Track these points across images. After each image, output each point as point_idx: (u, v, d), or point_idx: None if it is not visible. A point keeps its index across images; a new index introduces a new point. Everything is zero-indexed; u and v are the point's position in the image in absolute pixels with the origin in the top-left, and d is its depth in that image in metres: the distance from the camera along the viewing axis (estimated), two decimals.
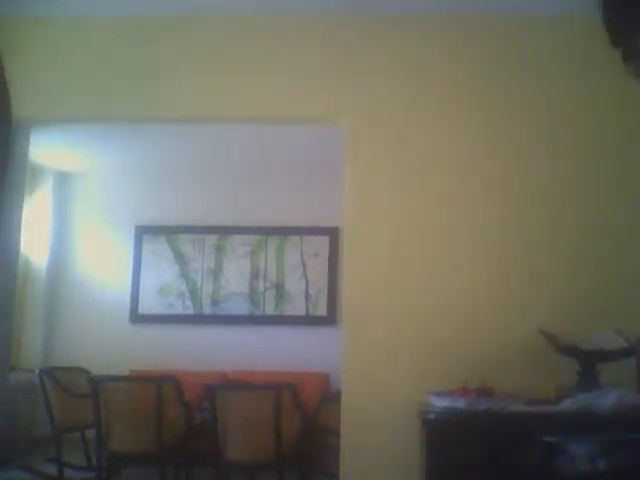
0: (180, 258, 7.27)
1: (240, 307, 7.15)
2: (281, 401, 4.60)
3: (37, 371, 5.86)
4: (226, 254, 7.23)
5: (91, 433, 5.25)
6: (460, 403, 2.88)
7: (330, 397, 5.18)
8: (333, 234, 6.96)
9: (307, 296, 7.10)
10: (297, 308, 7.10)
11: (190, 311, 7.21)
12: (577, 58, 3.54)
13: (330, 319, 6.93)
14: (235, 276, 7.19)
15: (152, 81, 3.67)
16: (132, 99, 3.65)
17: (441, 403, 2.93)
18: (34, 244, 7.08)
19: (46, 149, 6.41)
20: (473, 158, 3.50)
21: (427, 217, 3.49)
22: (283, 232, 7.16)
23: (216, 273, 7.23)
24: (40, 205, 7.27)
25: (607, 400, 2.81)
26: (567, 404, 2.87)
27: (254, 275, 7.18)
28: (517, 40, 3.59)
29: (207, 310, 7.20)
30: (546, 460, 2.76)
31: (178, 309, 7.22)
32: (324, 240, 7.11)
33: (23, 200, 3.86)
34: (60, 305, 7.22)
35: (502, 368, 3.24)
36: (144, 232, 7.31)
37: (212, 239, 7.26)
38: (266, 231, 7.18)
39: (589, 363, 3.06)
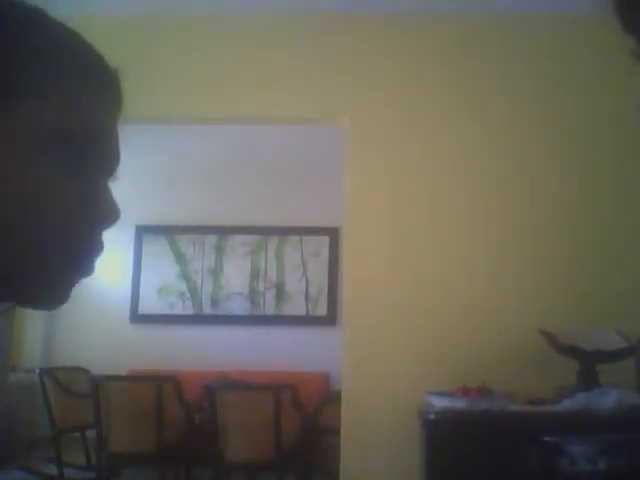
0: (180, 258, 7.27)
1: (240, 307, 7.14)
2: (281, 401, 4.60)
3: (37, 371, 5.86)
4: (226, 254, 7.23)
5: (91, 433, 5.25)
6: (460, 403, 2.88)
7: (330, 397, 5.18)
8: (333, 234, 6.94)
9: (307, 296, 7.10)
10: (297, 308, 7.09)
11: (190, 311, 7.21)
12: (577, 58, 3.54)
13: (330, 319, 6.91)
14: (235, 276, 7.18)
15: (151, 82, 3.66)
16: (131, 100, 3.64)
17: (441, 403, 2.94)
18: None
19: None
20: (473, 158, 3.51)
21: (426, 217, 3.49)
22: (283, 232, 7.15)
23: (216, 273, 7.22)
24: None
25: (607, 400, 2.81)
26: (567, 404, 2.87)
27: (254, 275, 7.18)
28: (517, 40, 3.59)
29: (207, 310, 7.20)
30: (546, 460, 2.76)
31: (178, 309, 7.21)
32: (324, 240, 7.10)
33: None
34: None
35: (502, 368, 3.25)
36: (144, 232, 7.31)
37: (212, 239, 7.25)
38: (266, 231, 7.17)
39: (589, 363, 3.06)
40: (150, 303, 7.23)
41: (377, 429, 3.33)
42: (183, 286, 7.24)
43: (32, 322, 7.07)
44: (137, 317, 7.23)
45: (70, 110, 0.58)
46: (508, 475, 2.80)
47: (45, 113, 0.56)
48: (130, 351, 6.90)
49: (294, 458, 4.85)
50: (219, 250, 7.25)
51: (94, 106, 0.61)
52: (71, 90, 0.59)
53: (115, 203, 0.62)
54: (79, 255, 0.60)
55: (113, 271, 7.32)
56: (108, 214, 0.62)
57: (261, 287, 7.16)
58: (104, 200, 0.62)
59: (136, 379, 5.63)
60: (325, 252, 7.10)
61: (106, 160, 0.63)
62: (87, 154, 0.60)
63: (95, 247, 0.62)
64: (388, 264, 3.46)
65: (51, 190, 0.57)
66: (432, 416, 2.90)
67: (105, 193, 0.62)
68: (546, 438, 2.74)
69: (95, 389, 4.95)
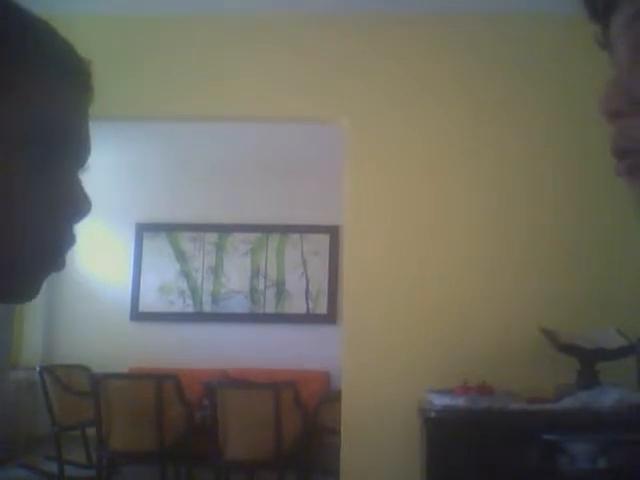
0: (181, 256, 7.27)
1: (240, 305, 7.14)
2: (281, 400, 4.60)
3: (38, 369, 5.86)
4: (227, 252, 7.22)
5: (91, 431, 5.25)
6: (460, 401, 2.88)
7: (330, 396, 5.19)
8: (334, 232, 6.94)
9: (307, 294, 7.10)
10: (297, 306, 7.09)
11: (190, 309, 7.21)
12: (580, 57, 3.53)
13: (330, 317, 6.92)
14: (236, 274, 7.18)
15: (153, 80, 3.67)
16: (130, 98, 3.65)
17: (441, 401, 2.94)
18: None
19: None
20: (473, 158, 3.51)
21: (427, 216, 3.49)
22: (284, 230, 7.15)
23: (217, 271, 7.22)
24: None
25: (607, 399, 2.82)
26: (567, 403, 2.87)
27: (254, 273, 7.17)
28: (518, 40, 3.58)
29: (207, 308, 7.19)
30: (546, 459, 2.76)
31: (178, 307, 7.21)
32: (325, 238, 7.10)
33: None
34: (61, 303, 7.22)
35: (502, 366, 3.25)
36: (145, 230, 7.30)
37: (213, 237, 7.25)
38: (267, 229, 7.17)
39: (589, 362, 3.07)
40: (150, 301, 7.23)
41: (377, 428, 3.33)
42: (183, 284, 7.24)
43: (32, 320, 7.08)
44: (137, 315, 7.23)
45: (49, 106, 0.58)
46: (508, 474, 2.80)
47: (26, 110, 0.56)
48: (130, 349, 6.91)
49: (294, 457, 4.85)
50: (219, 248, 7.25)
51: (68, 100, 0.61)
52: (50, 90, 0.59)
53: (86, 195, 0.62)
54: (50, 250, 0.60)
55: (113, 269, 7.33)
56: (79, 207, 0.62)
57: (261, 285, 7.16)
58: (75, 193, 0.62)
59: (136, 377, 5.63)
60: (325, 250, 7.10)
61: (77, 153, 0.63)
62: (60, 148, 0.60)
63: (66, 241, 0.62)
64: (388, 262, 3.46)
65: (29, 186, 0.57)
66: (433, 414, 2.90)
67: (76, 186, 0.62)
68: (546, 436, 2.75)
69: (95, 387, 4.95)
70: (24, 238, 0.57)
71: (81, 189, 0.62)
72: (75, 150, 0.63)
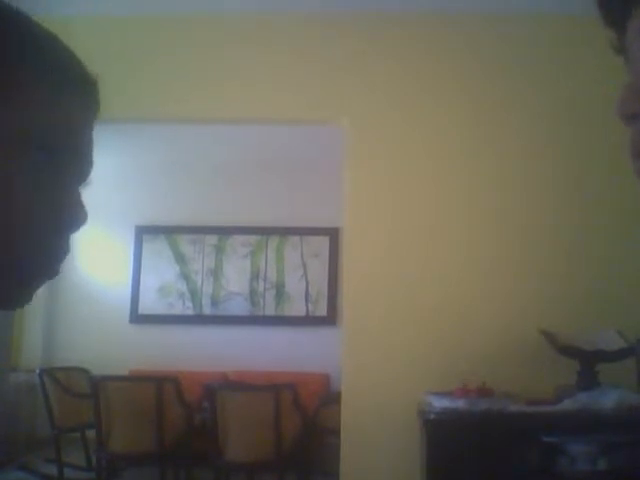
0: (180, 258, 7.26)
1: (240, 307, 7.14)
2: (281, 401, 4.60)
3: (37, 371, 5.86)
4: (226, 254, 7.22)
5: (91, 433, 5.25)
6: (460, 403, 2.88)
7: (330, 398, 5.18)
8: (333, 234, 6.94)
9: (307, 296, 7.09)
10: (297, 308, 7.08)
11: (190, 311, 7.20)
12: (581, 58, 3.53)
13: (330, 319, 6.91)
14: (235, 276, 7.18)
15: (151, 82, 3.66)
16: (129, 100, 3.65)
17: (441, 403, 2.93)
18: None
19: None
20: (473, 157, 3.50)
21: (427, 217, 3.49)
22: (283, 232, 7.15)
23: (216, 273, 7.22)
24: None
25: (607, 400, 2.81)
26: (567, 404, 2.87)
27: (254, 275, 7.17)
28: (517, 40, 3.58)
29: (207, 310, 7.19)
30: (546, 460, 2.75)
31: (178, 309, 7.20)
32: (324, 240, 7.09)
33: None
34: (60, 305, 7.21)
35: (502, 367, 3.25)
36: (144, 232, 7.30)
37: (212, 239, 7.25)
38: (266, 231, 7.17)
39: (589, 363, 3.06)
40: (150, 303, 7.22)
41: (377, 429, 3.33)
42: (183, 286, 7.24)
43: (32, 322, 7.07)
44: (137, 317, 7.23)
45: (50, 108, 0.58)
46: (508, 475, 2.80)
47: (27, 111, 0.56)
48: (130, 351, 6.90)
49: (294, 458, 4.84)
50: (219, 250, 7.24)
51: (73, 111, 0.61)
52: (52, 95, 0.58)
53: (84, 208, 0.62)
54: (48, 253, 0.60)
55: (113, 271, 7.33)
56: (75, 219, 0.61)
57: (261, 287, 7.15)
58: (73, 205, 0.61)
59: (136, 379, 5.63)
60: (325, 252, 7.09)
61: (79, 166, 0.63)
62: (61, 151, 0.59)
63: (61, 251, 0.61)
64: (388, 264, 3.46)
65: (28, 187, 0.57)
66: (432, 416, 2.90)
67: (75, 198, 0.62)
68: (546, 438, 2.74)
69: (95, 389, 4.94)
70: (24, 238, 0.57)
71: (79, 200, 0.62)
72: (76, 155, 0.62)
